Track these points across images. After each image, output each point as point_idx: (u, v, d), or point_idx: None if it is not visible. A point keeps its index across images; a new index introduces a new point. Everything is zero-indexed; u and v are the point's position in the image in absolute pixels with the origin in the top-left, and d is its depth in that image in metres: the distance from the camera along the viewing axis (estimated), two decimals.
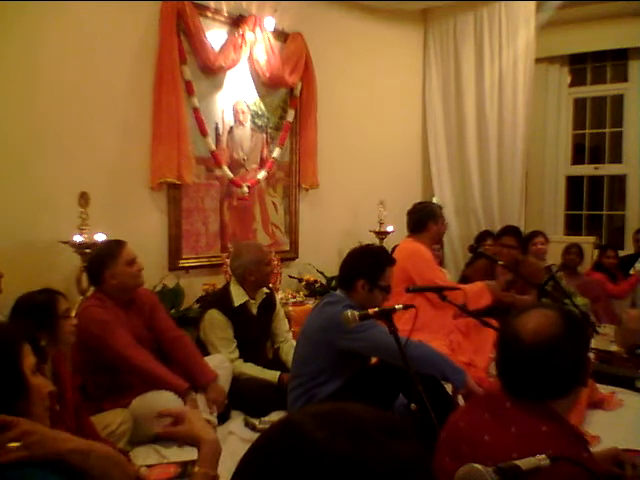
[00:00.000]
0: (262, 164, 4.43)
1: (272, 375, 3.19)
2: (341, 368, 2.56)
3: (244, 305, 3.31)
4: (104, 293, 2.79)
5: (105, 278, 2.77)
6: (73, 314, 2.43)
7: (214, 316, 3.24)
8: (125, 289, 2.82)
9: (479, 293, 3.69)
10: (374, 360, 2.78)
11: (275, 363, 3.40)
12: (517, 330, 1.27)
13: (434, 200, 5.57)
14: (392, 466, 0.60)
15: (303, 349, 2.67)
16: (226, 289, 3.36)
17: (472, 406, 1.40)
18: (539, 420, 1.21)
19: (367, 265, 2.63)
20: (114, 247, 2.83)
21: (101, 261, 2.79)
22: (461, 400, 2.49)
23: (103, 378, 2.68)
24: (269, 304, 3.47)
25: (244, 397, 3.03)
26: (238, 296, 3.30)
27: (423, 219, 3.80)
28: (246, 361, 3.24)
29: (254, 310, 3.37)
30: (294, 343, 3.38)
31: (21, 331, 1.32)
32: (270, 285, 3.61)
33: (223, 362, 3.10)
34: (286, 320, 3.63)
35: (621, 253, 5.29)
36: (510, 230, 4.20)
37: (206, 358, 3.04)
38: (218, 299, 3.35)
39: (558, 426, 1.21)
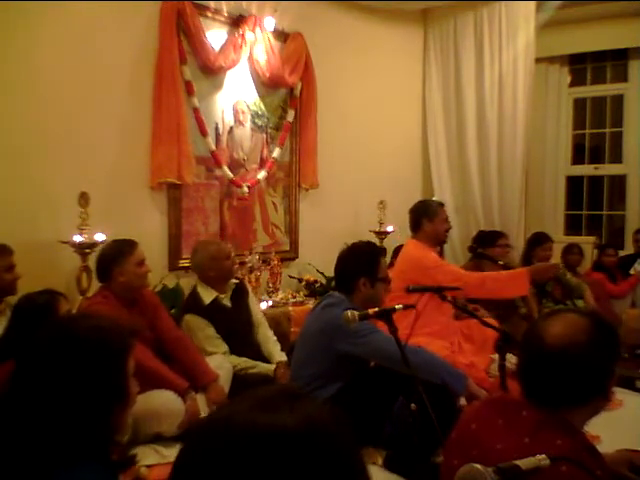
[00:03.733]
0: (262, 164, 4.43)
1: (267, 368, 3.23)
2: (340, 372, 2.55)
3: (215, 301, 3.31)
4: (110, 290, 2.82)
5: (113, 275, 2.81)
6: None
7: (190, 320, 3.24)
8: (131, 288, 2.85)
9: (513, 279, 3.50)
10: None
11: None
12: (541, 333, 1.25)
13: (433, 199, 5.57)
14: (305, 425, 0.66)
15: (302, 352, 2.66)
16: (194, 291, 3.37)
17: (486, 408, 1.35)
18: (554, 433, 1.17)
19: (363, 262, 2.63)
20: (126, 246, 2.87)
21: (112, 258, 2.83)
22: (463, 401, 2.49)
23: None
24: (241, 293, 3.47)
25: None
26: (206, 295, 3.31)
27: (418, 218, 3.68)
28: (235, 354, 3.25)
29: (227, 303, 3.37)
30: (266, 332, 3.47)
31: (132, 334, 1.29)
32: (238, 276, 3.65)
33: (223, 362, 3.11)
34: (259, 310, 3.61)
35: (621, 253, 5.29)
36: (500, 232, 4.59)
37: (207, 359, 3.05)
38: (188, 303, 3.36)
39: (573, 441, 1.17)
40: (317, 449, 0.65)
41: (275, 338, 3.51)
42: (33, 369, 1.19)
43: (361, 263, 2.64)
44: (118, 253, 2.83)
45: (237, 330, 3.33)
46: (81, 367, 1.17)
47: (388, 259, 4.84)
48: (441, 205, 3.88)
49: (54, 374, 1.16)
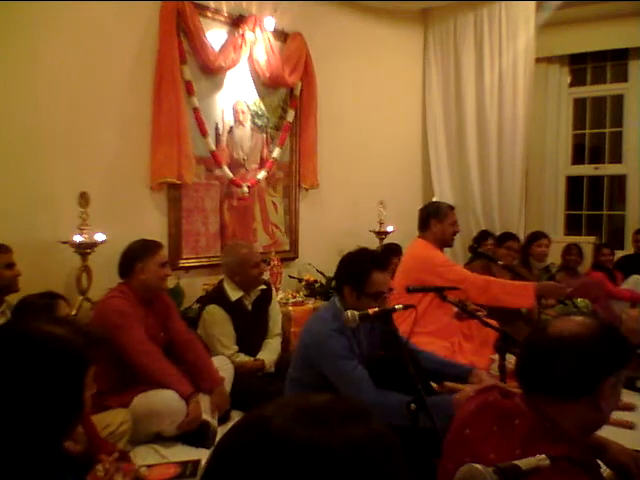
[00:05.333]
0: (262, 164, 4.43)
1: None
2: (327, 384, 2.49)
3: (240, 300, 3.38)
4: (128, 287, 2.86)
5: (135, 270, 2.85)
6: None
7: (214, 311, 3.29)
8: (150, 288, 2.89)
9: (520, 289, 3.50)
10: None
11: None
12: (546, 325, 1.28)
13: (434, 199, 5.57)
14: (345, 449, 0.62)
15: (295, 357, 2.61)
16: (221, 285, 3.42)
17: (480, 414, 1.33)
18: (546, 444, 1.15)
19: (351, 272, 2.50)
20: (152, 245, 2.93)
21: (136, 253, 2.88)
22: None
23: (108, 372, 2.66)
24: (265, 300, 3.51)
25: (245, 397, 3.04)
26: (233, 292, 3.37)
27: (426, 217, 3.70)
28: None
29: (249, 306, 3.42)
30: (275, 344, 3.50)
31: (93, 345, 1.22)
32: (267, 280, 3.66)
33: (225, 363, 3.13)
34: (279, 320, 3.61)
35: (621, 253, 5.29)
36: (513, 235, 4.63)
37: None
38: (216, 295, 3.40)
39: (566, 449, 1.14)
40: (355, 475, 0.61)
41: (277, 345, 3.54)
42: None
43: (348, 271, 2.51)
44: (143, 250, 2.88)
45: (251, 335, 3.37)
46: (35, 379, 1.08)
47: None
48: (451, 208, 3.84)
49: (5, 385, 1.07)
